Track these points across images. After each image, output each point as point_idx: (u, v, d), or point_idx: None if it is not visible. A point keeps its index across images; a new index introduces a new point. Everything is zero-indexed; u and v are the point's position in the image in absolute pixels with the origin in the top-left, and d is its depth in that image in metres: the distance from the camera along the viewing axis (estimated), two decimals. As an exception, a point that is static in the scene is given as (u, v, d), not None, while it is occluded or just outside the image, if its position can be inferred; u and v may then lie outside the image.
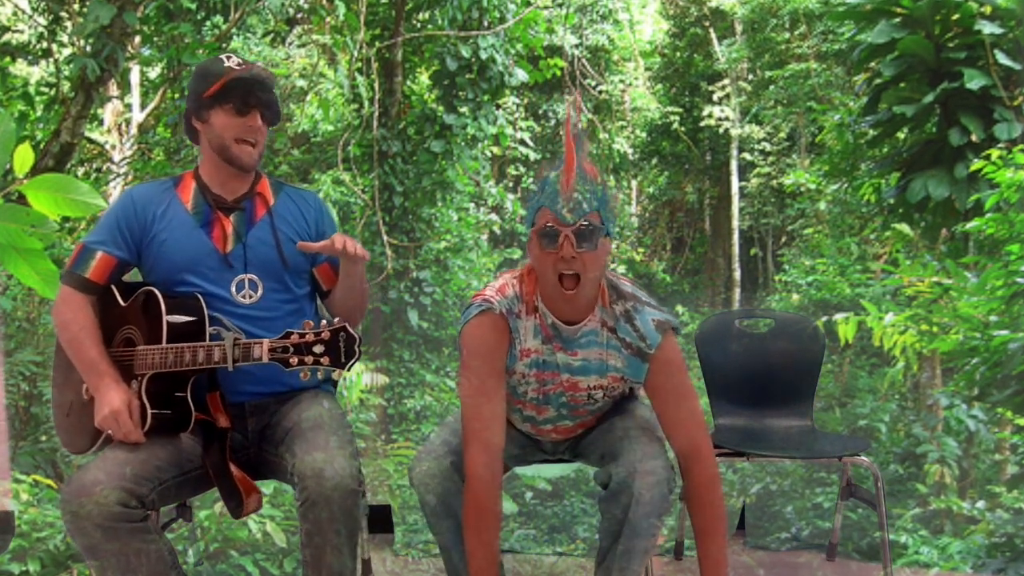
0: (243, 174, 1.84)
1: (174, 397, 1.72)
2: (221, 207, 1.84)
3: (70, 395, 1.84)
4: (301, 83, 6.97)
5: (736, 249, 11.56)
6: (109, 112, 6.98)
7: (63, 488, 1.63)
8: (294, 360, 1.55)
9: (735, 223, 11.57)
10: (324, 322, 1.56)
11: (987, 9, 4.69)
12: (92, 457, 1.79)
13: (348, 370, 1.55)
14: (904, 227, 5.59)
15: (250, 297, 1.82)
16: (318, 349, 1.53)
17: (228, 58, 1.82)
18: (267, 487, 4.13)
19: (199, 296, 1.78)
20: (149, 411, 1.70)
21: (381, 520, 1.91)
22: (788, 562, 3.49)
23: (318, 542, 1.64)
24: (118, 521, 1.59)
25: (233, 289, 1.81)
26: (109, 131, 7.06)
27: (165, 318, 1.72)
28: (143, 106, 6.69)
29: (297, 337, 1.56)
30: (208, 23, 5.86)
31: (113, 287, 1.83)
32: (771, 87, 9.99)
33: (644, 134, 12.64)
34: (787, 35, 10.21)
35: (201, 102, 1.81)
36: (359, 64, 6.70)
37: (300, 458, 1.66)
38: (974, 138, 4.72)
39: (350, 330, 1.53)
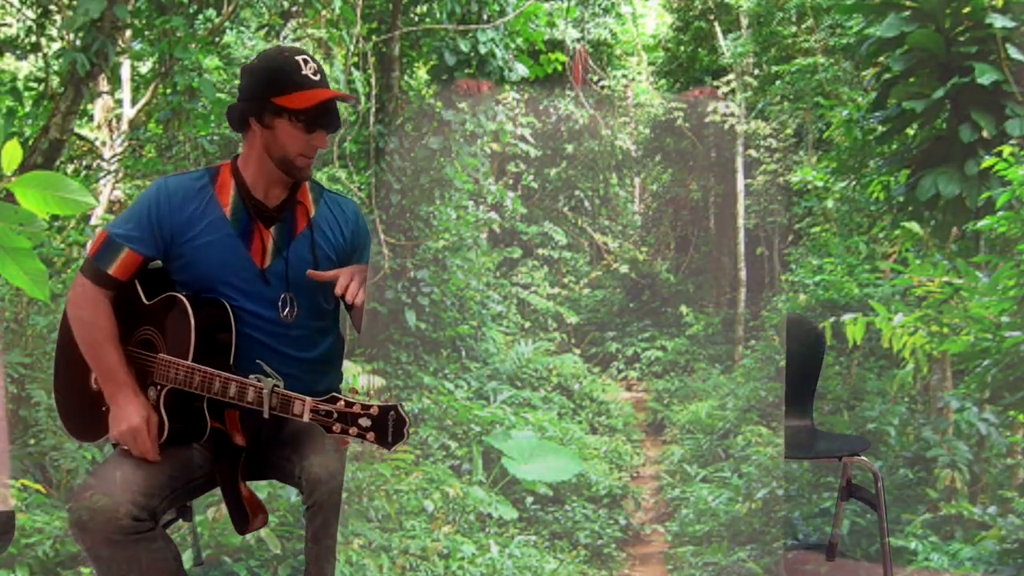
0: (291, 180, 1.80)
1: (191, 407, 1.72)
2: (261, 215, 1.78)
3: (75, 377, 1.83)
4: (296, 78, 6.93)
5: (741, 248, 11.56)
6: (99, 108, 6.98)
7: (71, 498, 1.63)
8: (337, 427, 1.53)
9: (740, 221, 11.57)
10: (373, 396, 1.57)
11: (999, 2, 4.69)
12: (88, 445, 1.80)
13: (391, 451, 1.57)
14: (914, 225, 5.59)
15: (292, 316, 1.80)
16: (364, 423, 1.52)
17: (305, 62, 1.73)
18: (261, 492, 4.13)
19: (228, 309, 1.75)
20: (167, 425, 1.69)
21: None
22: (788, 562, 3.52)
23: (323, 545, 1.69)
24: (127, 533, 1.61)
25: (279, 307, 1.79)
26: (99, 127, 7.05)
27: (193, 335, 1.69)
28: (134, 102, 6.68)
29: (344, 405, 1.54)
30: (201, 17, 5.86)
31: (136, 282, 1.79)
32: (777, 82, 9.98)
33: (647, 130, 12.64)
34: (794, 29, 10.20)
35: (267, 105, 1.72)
36: (355, 59, 6.71)
37: (309, 462, 1.68)
38: (985, 134, 4.72)
39: (401, 411, 1.53)
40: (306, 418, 1.56)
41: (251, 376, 1.66)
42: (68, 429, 1.90)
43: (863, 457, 2.13)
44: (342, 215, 1.87)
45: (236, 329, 1.74)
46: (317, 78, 1.74)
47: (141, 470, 1.66)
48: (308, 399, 1.57)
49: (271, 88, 1.71)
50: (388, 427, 1.52)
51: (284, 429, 1.81)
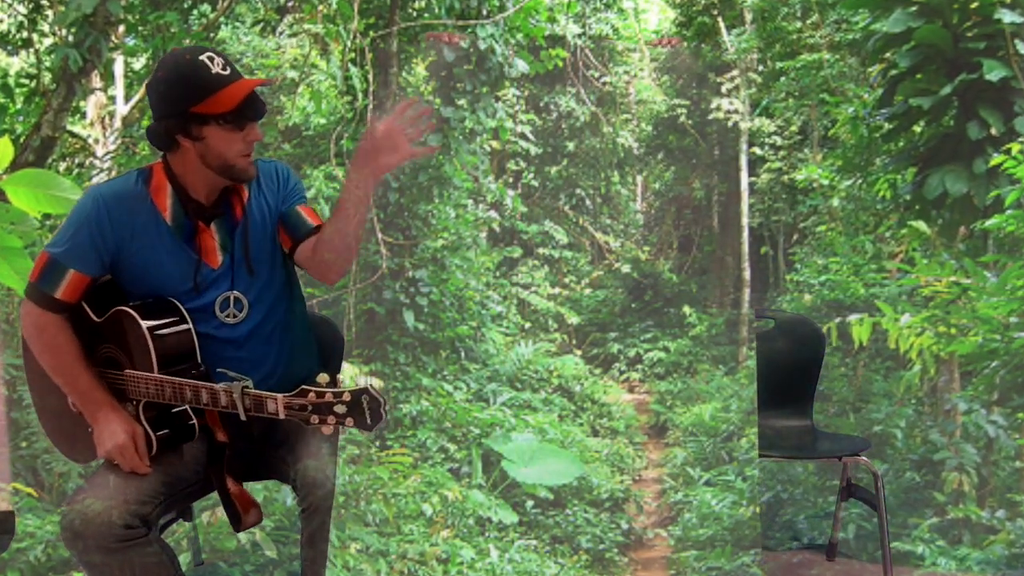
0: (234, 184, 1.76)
1: (172, 412, 1.71)
2: (201, 215, 1.73)
3: (54, 402, 1.82)
4: (292, 74, 6.97)
5: (745, 247, 11.55)
6: (92, 105, 6.98)
7: (64, 508, 1.63)
8: (314, 419, 1.52)
9: (744, 220, 11.55)
10: (341, 379, 1.52)
11: (1007, -3, 4.69)
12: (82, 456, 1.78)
13: (372, 432, 1.56)
14: (921, 224, 5.59)
15: (235, 316, 1.76)
16: (340, 410, 1.50)
17: (211, 59, 1.64)
18: (257, 495, 4.12)
19: (180, 309, 1.71)
20: (153, 438, 1.69)
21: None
22: (789, 562, 3.54)
23: (318, 548, 1.71)
24: (120, 541, 1.61)
25: (217, 308, 1.75)
26: (92, 124, 7.05)
27: (152, 347, 1.66)
28: (127, 98, 6.69)
29: (315, 396, 1.51)
30: (195, 12, 5.86)
31: (83, 302, 1.74)
32: (782, 78, 9.98)
33: (650, 127, 12.63)
34: (799, 24, 10.20)
35: (189, 117, 1.64)
36: (352, 54, 6.70)
37: (304, 465, 1.68)
38: (994, 131, 4.72)
39: (372, 391, 1.51)
40: (282, 415, 1.55)
41: (220, 383, 1.64)
42: (63, 452, 1.89)
43: (863, 457, 2.15)
44: (269, 180, 1.81)
45: (197, 331, 1.71)
46: (228, 72, 1.66)
47: (134, 478, 1.66)
48: (280, 396, 1.55)
49: (186, 98, 1.63)
50: (364, 410, 1.50)
51: (278, 428, 1.80)
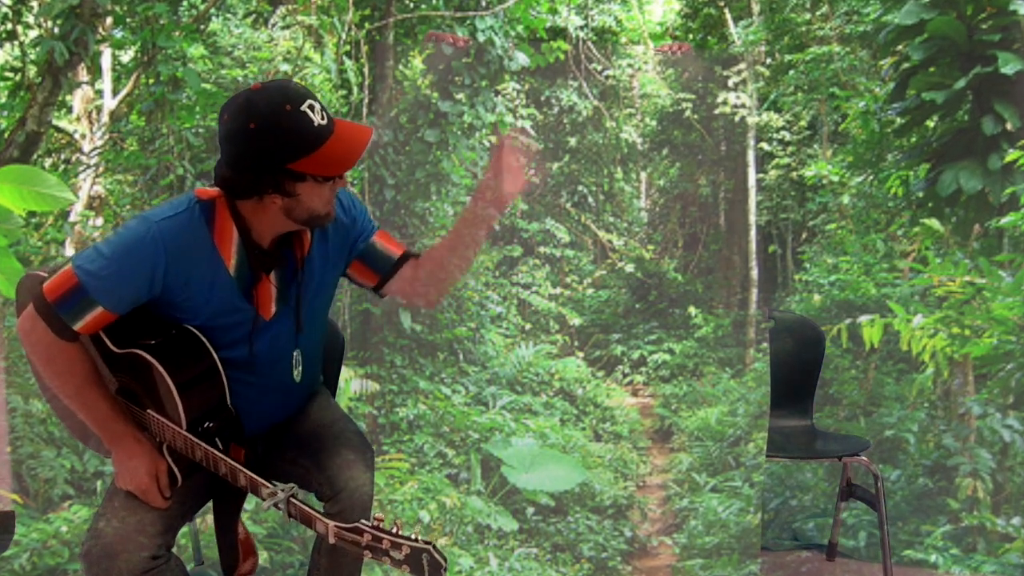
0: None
1: None
2: (263, 263, 1.62)
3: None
4: (285, 67, 6.96)
5: (753, 246, 11.53)
6: (78, 99, 6.97)
7: (89, 541, 1.59)
8: (367, 553, 1.48)
9: (752, 218, 11.54)
10: (396, 528, 1.42)
11: (1023, -12, 4.69)
12: (67, 452, 1.78)
13: None
14: (934, 222, 5.59)
15: (298, 367, 1.72)
16: (396, 555, 1.44)
17: (311, 108, 1.52)
18: (250, 501, 4.13)
19: (208, 350, 1.61)
20: (178, 474, 1.66)
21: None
22: (788, 563, 3.58)
23: (340, 552, 1.70)
24: (146, 571, 1.60)
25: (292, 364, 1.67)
26: (79, 119, 7.05)
27: (181, 407, 1.58)
28: (115, 92, 6.68)
29: (371, 538, 1.46)
30: (185, 3, 5.86)
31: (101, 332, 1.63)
32: (791, 72, 9.98)
33: (654, 122, 12.62)
34: (808, 16, 10.20)
35: (284, 173, 1.51)
36: (347, 47, 6.70)
37: (336, 473, 1.69)
38: (1009, 127, 4.73)
39: (434, 553, 1.42)
40: (331, 541, 1.50)
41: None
42: (80, 439, 1.86)
43: (863, 457, 2.17)
44: (338, 223, 1.71)
45: (227, 374, 1.64)
46: (326, 120, 1.55)
47: (158, 509, 1.65)
48: (331, 523, 1.50)
49: (286, 154, 1.51)
50: (424, 566, 1.44)
51: (285, 435, 1.79)
